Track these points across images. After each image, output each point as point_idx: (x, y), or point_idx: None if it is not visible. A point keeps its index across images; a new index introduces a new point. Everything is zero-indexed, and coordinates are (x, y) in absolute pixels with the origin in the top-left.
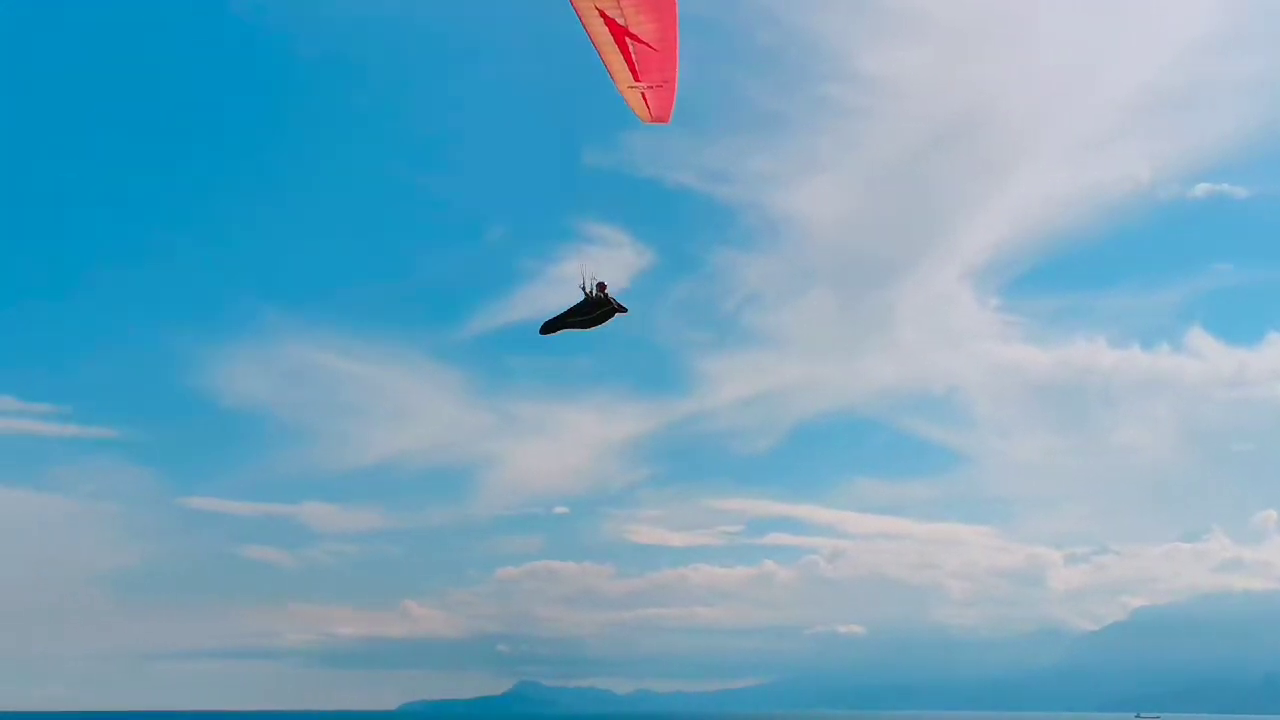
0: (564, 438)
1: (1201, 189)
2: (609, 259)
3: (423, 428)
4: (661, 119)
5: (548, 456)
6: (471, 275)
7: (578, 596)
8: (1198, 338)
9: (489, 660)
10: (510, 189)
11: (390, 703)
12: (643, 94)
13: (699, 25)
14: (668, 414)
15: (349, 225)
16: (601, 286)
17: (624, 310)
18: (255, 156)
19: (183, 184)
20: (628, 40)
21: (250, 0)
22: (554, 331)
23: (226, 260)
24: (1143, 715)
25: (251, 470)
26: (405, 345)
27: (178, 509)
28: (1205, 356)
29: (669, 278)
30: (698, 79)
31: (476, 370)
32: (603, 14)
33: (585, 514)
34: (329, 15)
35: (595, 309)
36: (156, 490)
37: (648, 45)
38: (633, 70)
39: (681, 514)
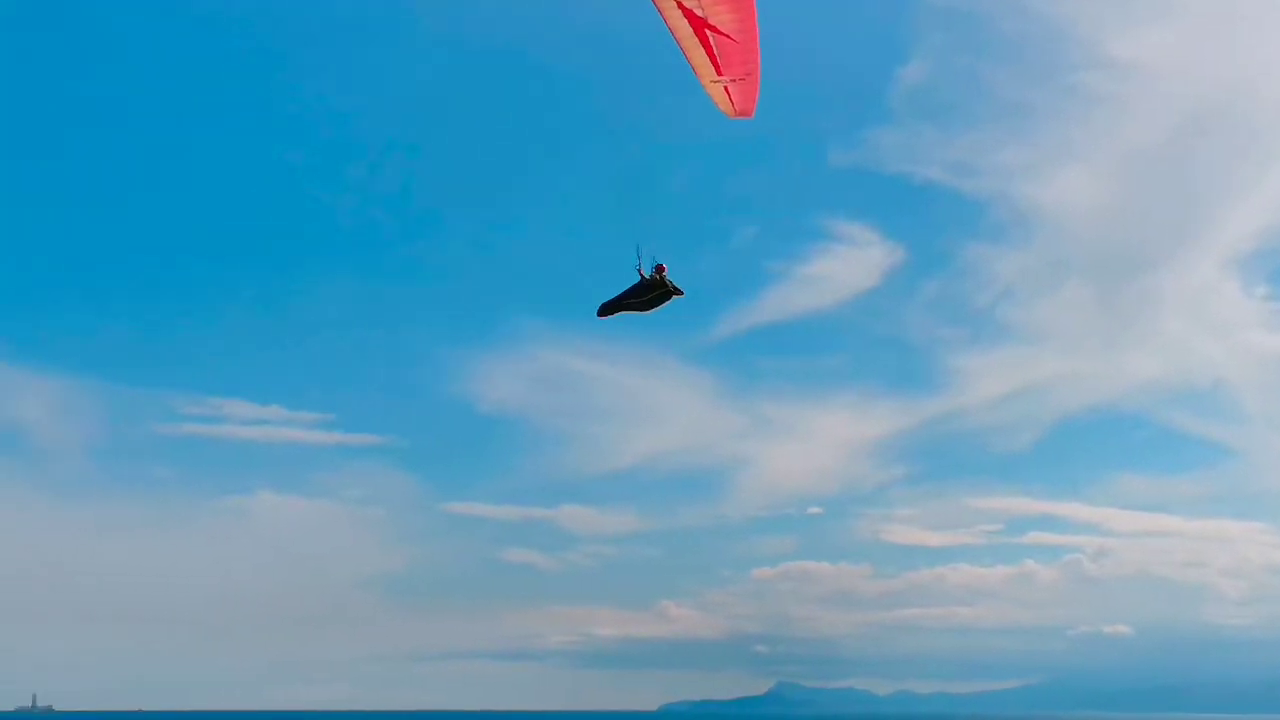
0: (815, 438)
1: None
2: (859, 257)
3: (674, 430)
4: (746, 113)
5: (799, 457)
6: (719, 277)
7: (834, 597)
8: None
9: (747, 661)
10: (757, 190)
11: (650, 703)
12: (725, 88)
13: (944, 16)
14: (921, 412)
15: (599, 232)
16: (660, 269)
17: (680, 293)
18: (512, 165)
19: (442, 195)
20: (707, 33)
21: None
22: (612, 314)
23: (483, 268)
24: None
25: (510, 474)
26: (656, 349)
27: (441, 513)
28: None
29: (919, 274)
30: (943, 71)
31: (726, 372)
32: (680, 5)
33: (839, 514)
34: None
35: (651, 290)
36: (420, 495)
37: (728, 37)
38: (715, 64)
39: (938, 513)
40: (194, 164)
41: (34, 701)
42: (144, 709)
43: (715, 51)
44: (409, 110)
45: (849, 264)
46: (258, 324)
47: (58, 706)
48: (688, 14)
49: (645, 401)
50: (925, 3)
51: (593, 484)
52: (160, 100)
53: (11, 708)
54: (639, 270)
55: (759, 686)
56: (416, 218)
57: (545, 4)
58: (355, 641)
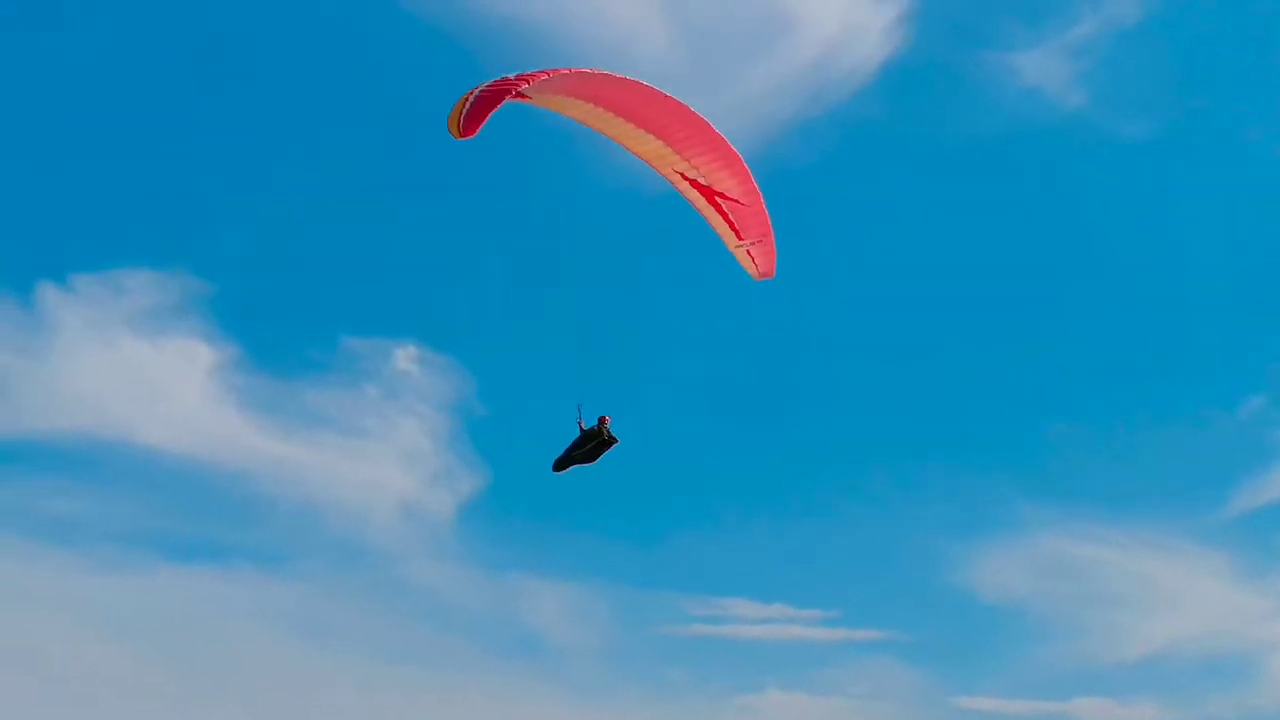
0: None
1: None
2: None
3: (1193, 615)
4: (768, 274)
5: None
6: (1224, 451)
7: None
8: None
9: None
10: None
11: None
12: (748, 251)
13: None
14: None
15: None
16: (603, 420)
17: (615, 441)
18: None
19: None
20: (718, 200)
21: None
22: (564, 469)
23: (983, 458)
24: None
25: (1019, 667)
26: (1163, 530)
27: (952, 708)
28: None
29: None
30: None
31: (1243, 551)
32: (685, 177)
33: None
34: None
35: (589, 441)
36: (928, 689)
37: (737, 202)
38: (734, 229)
39: None
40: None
41: None
42: None
43: (731, 217)
44: None
45: None
46: (756, 525)
47: None
48: (694, 184)
49: (1159, 585)
50: None
51: (1108, 674)
52: None
53: None
54: (579, 424)
55: None
56: None
57: None
58: None
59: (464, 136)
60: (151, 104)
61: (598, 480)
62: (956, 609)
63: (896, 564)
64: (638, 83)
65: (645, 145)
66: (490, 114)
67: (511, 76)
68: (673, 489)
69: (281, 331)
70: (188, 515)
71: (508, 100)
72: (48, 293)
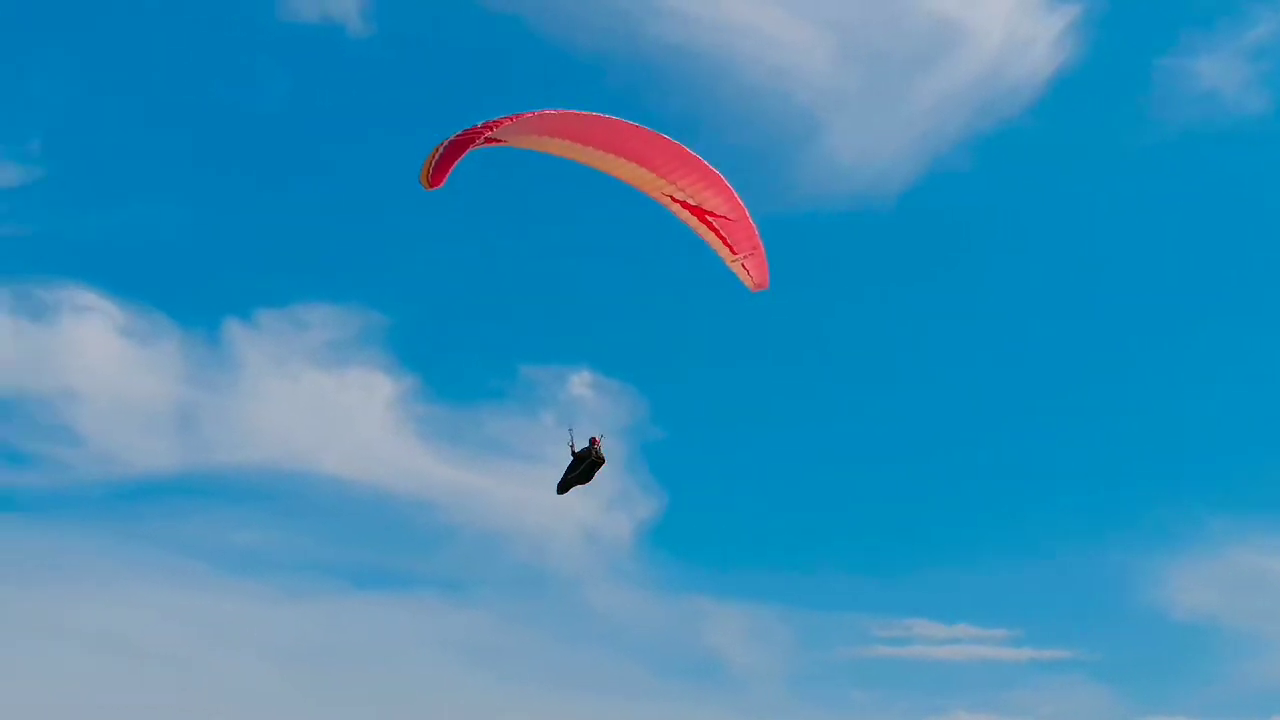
0: None
1: None
2: None
3: None
4: (762, 285)
5: None
6: None
7: None
8: None
9: None
10: None
11: None
12: (743, 264)
13: None
14: None
15: None
16: (594, 440)
17: (603, 461)
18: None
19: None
20: (709, 218)
21: None
22: (566, 490)
23: (1170, 473)
24: None
25: (1211, 685)
26: None
27: None
28: None
29: None
30: None
31: None
32: (674, 200)
33: None
34: None
35: (581, 463)
36: (1116, 709)
37: (726, 218)
38: (728, 245)
39: None
40: None
41: None
42: None
43: (723, 233)
44: None
45: None
46: (938, 545)
47: None
48: (684, 205)
49: None
50: None
51: None
52: None
53: None
54: (570, 448)
55: None
56: None
57: None
58: None
59: (432, 188)
60: (329, 143)
61: (779, 502)
62: (1146, 626)
63: (1083, 581)
64: (610, 118)
65: (631, 173)
66: (456, 163)
67: (479, 125)
68: (854, 511)
69: (457, 361)
70: (372, 544)
71: (476, 147)
72: (233, 329)
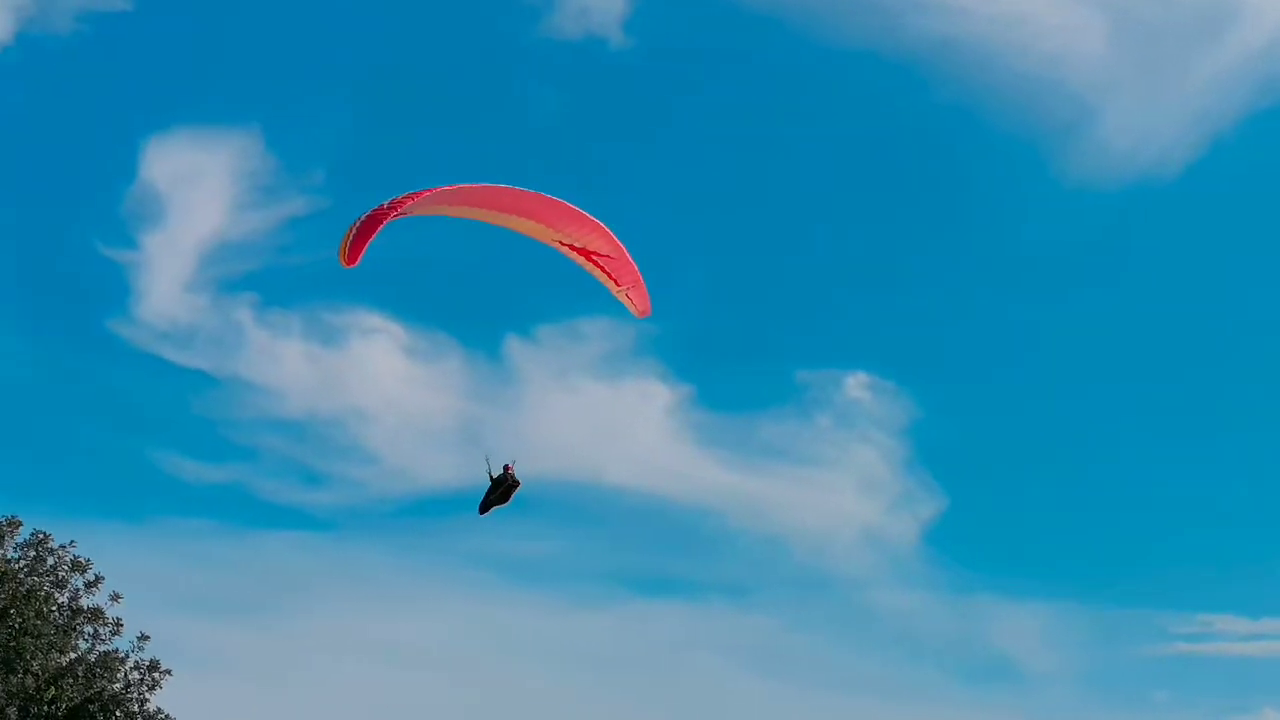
0: None
1: None
2: None
3: None
4: (645, 313)
5: None
6: None
7: None
8: None
9: None
10: None
11: None
12: (627, 294)
13: None
14: None
15: None
16: (507, 467)
17: (518, 484)
18: None
19: None
20: (595, 258)
21: None
22: (486, 512)
23: None
24: None
25: None
26: None
27: None
28: None
29: None
30: None
31: None
32: (562, 244)
33: None
34: None
35: (499, 487)
36: None
37: (609, 257)
38: (612, 279)
39: None
40: None
41: None
42: None
43: (607, 269)
44: None
45: None
46: (1243, 532)
47: None
48: (572, 249)
49: None
50: None
51: None
52: None
53: None
54: (489, 474)
55: None
56: None
57: None
58: None
59: (349, 265)
60: (598, 156)
61: (1062, 500)
62: None
63: None
64: (507, 187)
65: (529, 227)
66: (369, 242)
67: (385, 204)
68: (1147, 505)
69: (731, 367)
70: (656, 551)
71: (390, 220)
72: (514, 345)
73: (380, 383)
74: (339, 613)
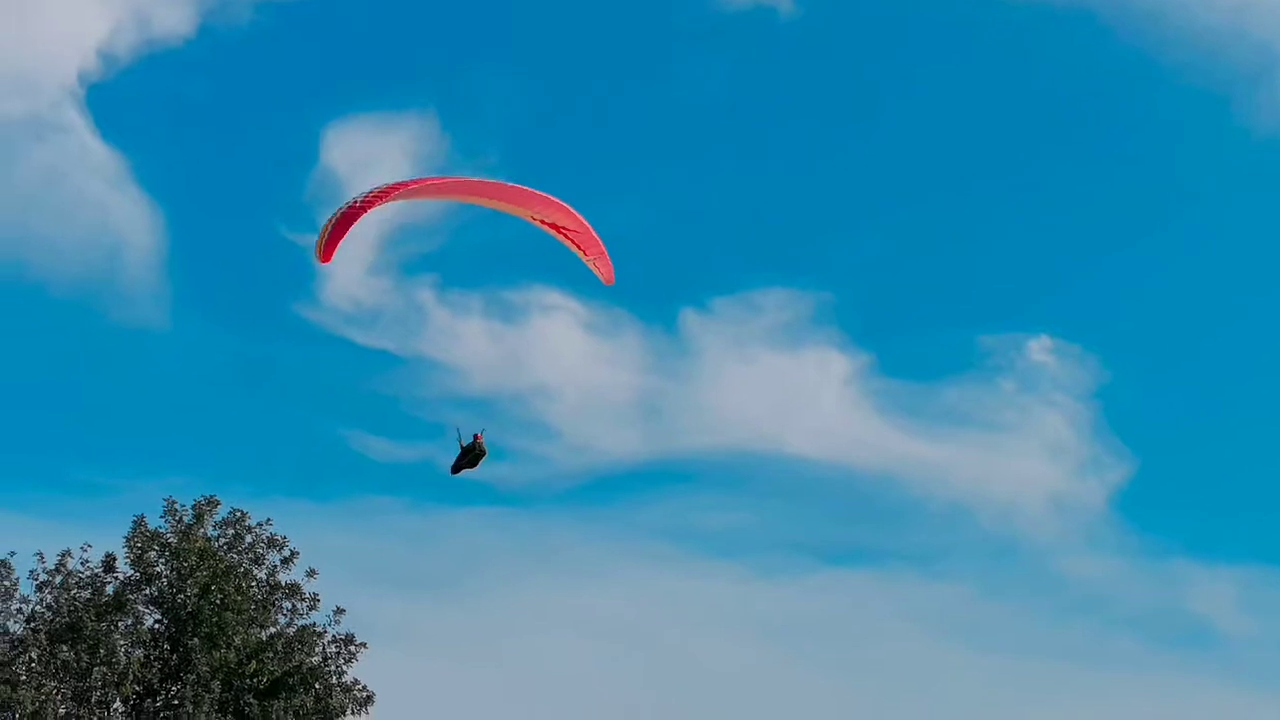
0: None
1: None
2: None
3: None
4: (609, 280)
5: None
6: None
7: None
8: None
9: None
10: None
11: None
12: (594, 263)
13: None
14: None
15: None
16: (477, 436)
17: (484, 454)
18: None
19: None
20: (564, 232)
21: None
22: (458, 473)
23: None
24: None
25: None
26: None
27: None
28: None
29: None
30: None
31: None
32: (533, 218)
33: None
34: None
35: (468, 454)
36: None
37: (576, 231)
38: (580, 249)
39: None
40: None
41: None
42: None
43: (575, 241)
44: None
45: None
46: None
47: None
48: (543, 224)
49: None
50: None
51: None
52: None
53: None
54: (459, 443)
55: None
56: None
57: None
58: None
59: (324, 262)
60: (768, 128)
61: (1255, 458)
62: None
63: None
64: (473, 179)
65: (503, 208)
66: (343, 238)
67: (358, 201)
68: None
69: (910, 333)
70: (840, 520)
71: (361, 219)
72: (689, 318)
73: (560, 359)
74: (527, 587)
